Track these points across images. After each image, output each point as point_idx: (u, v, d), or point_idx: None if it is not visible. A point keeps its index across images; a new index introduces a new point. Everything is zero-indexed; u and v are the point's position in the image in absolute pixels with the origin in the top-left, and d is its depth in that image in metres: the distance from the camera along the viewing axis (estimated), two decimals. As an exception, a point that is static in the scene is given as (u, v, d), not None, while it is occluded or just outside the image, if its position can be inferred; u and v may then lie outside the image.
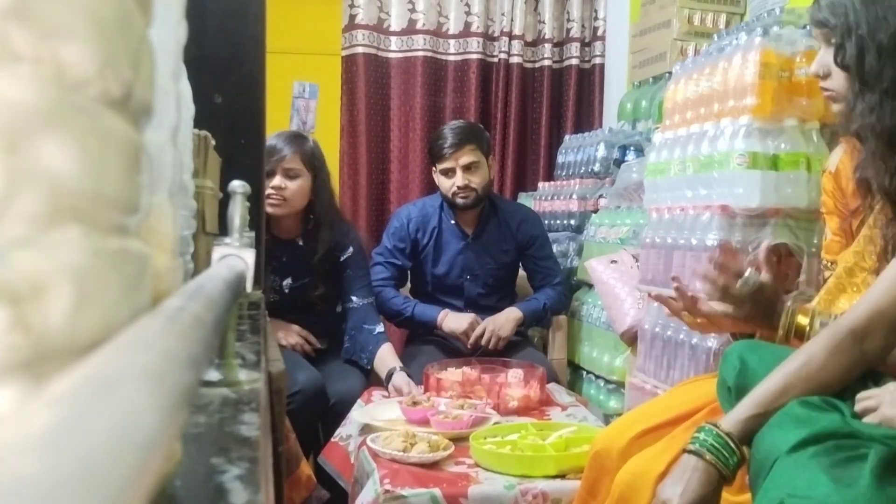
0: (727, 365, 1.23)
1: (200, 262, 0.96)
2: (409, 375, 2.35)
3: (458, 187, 2.66)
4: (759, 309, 1.35)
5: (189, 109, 0.76)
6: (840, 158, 1.49)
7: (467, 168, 2.66)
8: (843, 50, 1.26)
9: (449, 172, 2.68)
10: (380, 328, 2.54)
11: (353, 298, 2.57)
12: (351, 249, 2.58)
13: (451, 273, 2.77)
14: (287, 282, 2.53)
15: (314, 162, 2.52)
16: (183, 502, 0.42)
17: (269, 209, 2.36)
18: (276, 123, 3.59)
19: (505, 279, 2.85)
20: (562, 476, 1.70)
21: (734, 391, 1.19)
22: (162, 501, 0.40)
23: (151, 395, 0.21)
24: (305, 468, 1.85)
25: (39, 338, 0.22)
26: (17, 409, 0.21)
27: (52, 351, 0.23)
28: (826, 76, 1.33)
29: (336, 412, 2.31)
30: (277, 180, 2.43)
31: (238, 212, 0.83)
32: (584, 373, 2.78)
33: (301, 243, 2.54)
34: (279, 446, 1.06)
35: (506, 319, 2.66)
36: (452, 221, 2.78)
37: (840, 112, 1.34)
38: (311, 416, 2.31)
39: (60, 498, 0.14)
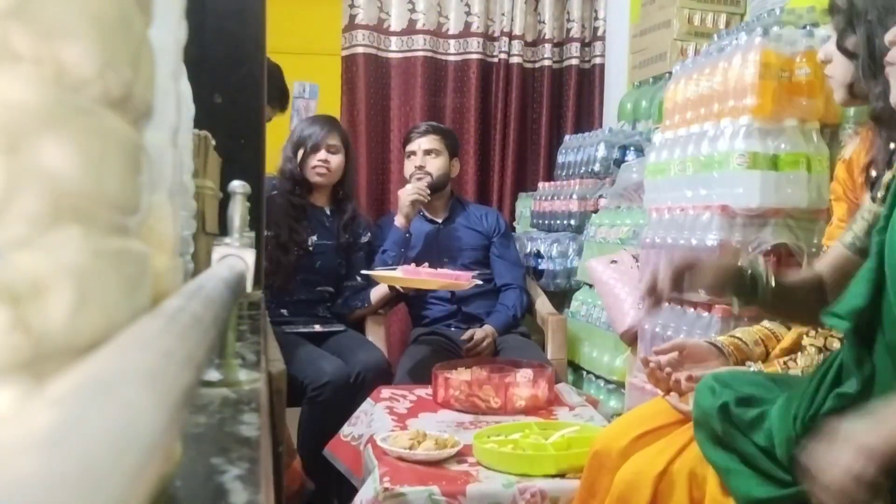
0: (704, 404, 1.20)
1: (200, 262, 0.96)
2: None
3: (416, 167, 2.93)
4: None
5: (189, 109, 0.76)
6: (854, 149, 1.49)
7: (427, 153, 2.94)
8: (846, 34, 1.27)
9: (411, 155, 2.97)
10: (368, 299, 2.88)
11: (358, 278, 2.86)
12: (369, 235, 2.96)
13: (429, 257, 2.88)
14: (313, 238, 2.81)
15: (347, 141, 2.91)
16: (183, 502, 0.42)
17: (316, 178, 2.79)
18: (276, 123, 3.58)
19: (481, 261, 3.00)
20: (561, 475, 1.70)
21: (722, 425, 1.16)
22: (162, 501, 0.40)
23: (151, 395, 0.21)
24: (295, 463, 1.88)
25: (39, 338, 0.22)
26: (17, 409, 0.21)
27: (52, 351, 0.23)
28: (827, 61, 1.36)
29: (363, 385, 2.44)
30: (323, 154, 2.78)
31: (238, 212, 0.83)
32: (585, 373, 2.78)
33: (328, 212, 2.88)
34: (279, 446, 1.06)
35: (484, 335, 2.74)
36: (421, 212, 2.98)
37: (840, 100, 1.38)
38: (340, 406, 2.39)
39: (60, 498, 0.14)
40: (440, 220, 3.00)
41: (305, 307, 2.78)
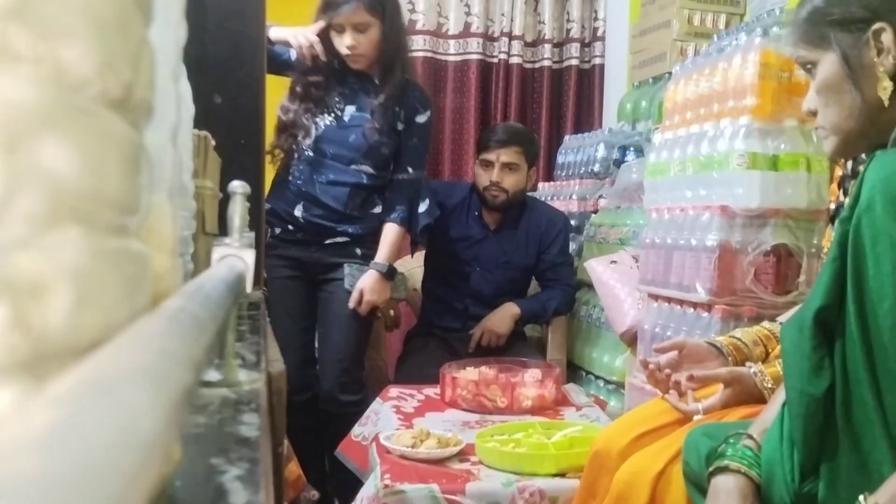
0: (692, 457, 1.20)
1: (200, 262, 0.96)
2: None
3: (491, 181, 2.67)
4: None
5: (189, 109, 0.76)
6: None
7: (505, 166, 2.68)
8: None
9: (487, 165, 2.70)
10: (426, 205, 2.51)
11: (409, 169, 2.47)
12: (428, 114, 2.49)
13: (462, 256, 2.76)
14: (350, 109, 2.42)
15: (383, 6, 2.35)
16: (183, 502, 0.42)
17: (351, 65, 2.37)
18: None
19: (518, 281, 2.82)
20: (561, 475, 1.70)
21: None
22: (162, 501, 0.40)
23: (151, 395, 0.21)
24: (295, 467, 1.86)
25: (39, 338, 0.22)
26: (17, 409, 0.21)
27: (52, 351, 0.23)
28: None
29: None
30: (349, 39, 2.34)
31: (238, 212, 0.83)
32: (584, 373, 2.78)
33: (377, 81, 2.42)
34: (279, 446, 1.06)
35: (502, 317, 2.66)
36: (476, 213, 2.78)
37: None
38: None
39: (60, 498, 0.14)
40: (491, 229, 2.77)
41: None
